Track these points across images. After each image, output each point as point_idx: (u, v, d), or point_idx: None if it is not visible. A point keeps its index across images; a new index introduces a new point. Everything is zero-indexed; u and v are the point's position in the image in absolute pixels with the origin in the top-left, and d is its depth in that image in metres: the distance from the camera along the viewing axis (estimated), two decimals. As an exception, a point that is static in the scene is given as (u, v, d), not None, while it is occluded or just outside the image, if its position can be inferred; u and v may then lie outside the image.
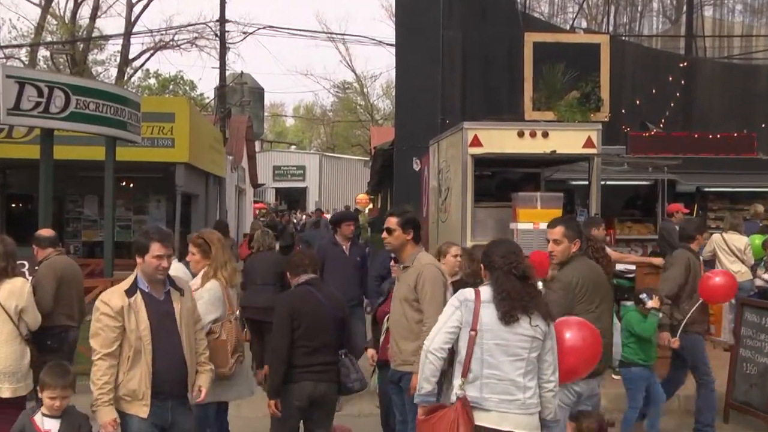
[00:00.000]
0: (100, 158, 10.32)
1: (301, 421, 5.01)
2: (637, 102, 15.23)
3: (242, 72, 28.57)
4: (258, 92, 34.01)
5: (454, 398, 3.82)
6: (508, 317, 3.76)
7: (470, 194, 9.19)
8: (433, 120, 15.08)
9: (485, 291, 3.88)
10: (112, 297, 4.23)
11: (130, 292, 4.25)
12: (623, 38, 17.08)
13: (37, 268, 6.57)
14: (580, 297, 4.79)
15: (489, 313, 3.80)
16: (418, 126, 15.89)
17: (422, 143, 13.20)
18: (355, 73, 50.49)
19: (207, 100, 31.41)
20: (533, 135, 9.19)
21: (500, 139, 9.21)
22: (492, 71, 15.29)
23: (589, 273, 4.90)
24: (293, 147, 59.00)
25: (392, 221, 4.98)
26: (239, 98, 27.70)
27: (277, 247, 9.85)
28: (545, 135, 9.19)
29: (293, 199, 48.51)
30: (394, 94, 31.21)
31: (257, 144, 36.68)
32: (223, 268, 5.27)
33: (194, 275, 5.39)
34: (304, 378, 4.79)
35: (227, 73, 23.78)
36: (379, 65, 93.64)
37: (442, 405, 3.86)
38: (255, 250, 8.73)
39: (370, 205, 36.08)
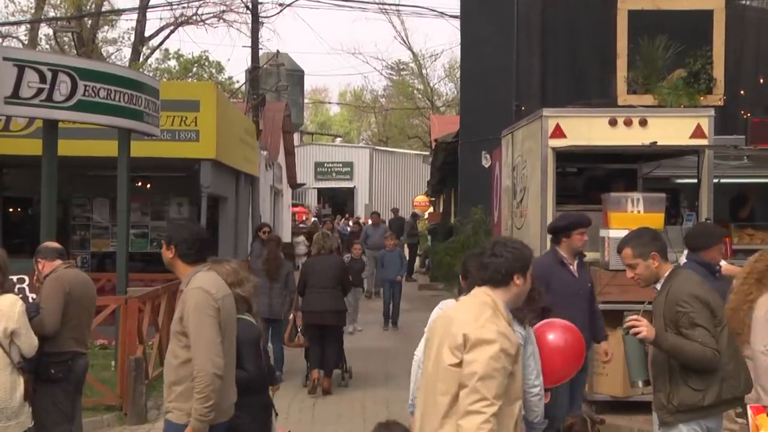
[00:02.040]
0: (112, 154, 10.54)
1: None
2: (761, 81, 14.91)
3: (278, 51, 28.91)
4: (297, 75, 34.48)
5: None
6: None
7: (551, 195, 9.14)
8: (505, 106, 15.06)
9: None
10: (507, 330, 3.86)
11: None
12: (743, 2, 16.75)
13: (38, 284, 6.61)
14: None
15: None
16: (487, 114, 15.91)
17: (493, 134, 13.20)
18: (413, 52, 50.44)
19: (237, 85, 31.89)
20: (628, 123, 9.12)
21: (588, 129, 9.17)
22: (578, 47, 15.17)
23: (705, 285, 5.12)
24: (339, 140, 59.54)
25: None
26: (275, 83, 28.06)
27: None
28: (643, 123, 9.12)
29: (339, 201, 48.87)
30: (458, 75, 31.36)
31: (296, 137, 37.11)
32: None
33: None
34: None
35: (261, 53, 24.10)
36: (441, 42, 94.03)
37: None
38: (315, 252, 10.51)
39: (430, 209, 36.20)
